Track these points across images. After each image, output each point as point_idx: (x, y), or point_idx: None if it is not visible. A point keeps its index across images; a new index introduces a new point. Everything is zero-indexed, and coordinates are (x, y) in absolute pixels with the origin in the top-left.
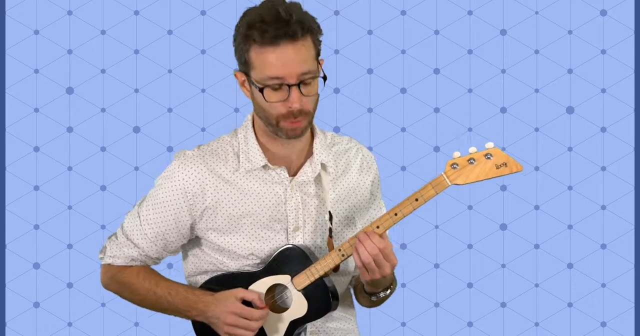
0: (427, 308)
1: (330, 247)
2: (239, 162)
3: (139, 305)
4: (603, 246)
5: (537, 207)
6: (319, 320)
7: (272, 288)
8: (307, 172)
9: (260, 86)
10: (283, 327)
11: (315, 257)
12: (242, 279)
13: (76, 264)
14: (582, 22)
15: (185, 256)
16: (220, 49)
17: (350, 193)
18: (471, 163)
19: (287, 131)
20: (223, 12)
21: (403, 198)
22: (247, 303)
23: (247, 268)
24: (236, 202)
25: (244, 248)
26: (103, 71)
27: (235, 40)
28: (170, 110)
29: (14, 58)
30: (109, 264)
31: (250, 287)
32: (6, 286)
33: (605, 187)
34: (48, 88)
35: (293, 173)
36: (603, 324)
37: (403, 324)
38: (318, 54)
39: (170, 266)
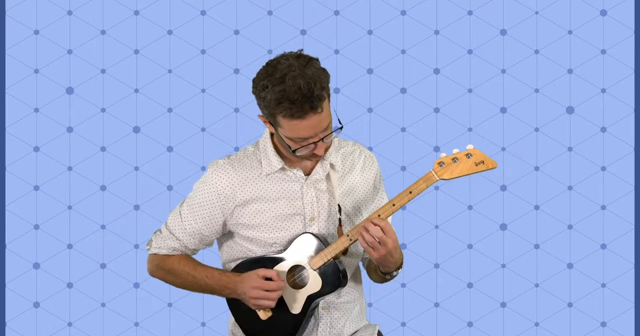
0: (427, 308)
1: (340, 233)
2: (261, 167)
3: (180, 287)
4: (603, 246)
5: (537, 207)
6: (330, 296)
7: (292, 269)
8: (319, 171)
9: (289, 141)
10: (301, 300)
11: (327, 242)
12: (268, 262)
13: (76, 264)
14: (582, 22)
15: (220, 247)
16: (220, 49)
17: (355, 188)
18: (455, 161)
19: (309, 159)
20: (223, 12)
21: None
22: (267, 279)
23: (271, 254)
24: (260, 198)
25: (269, 237)
26: (103, 71)
27: (257, 93)
28: (170, 110)
29: (14, 58)
30: (154, 254)
31: (274, 268)
32: (6, 286)
33: (605, 187)
34: (48, 89)
35: (307, 173)
36: (603, 324)
37: (403, 324)
38: (329, 100)
39: None
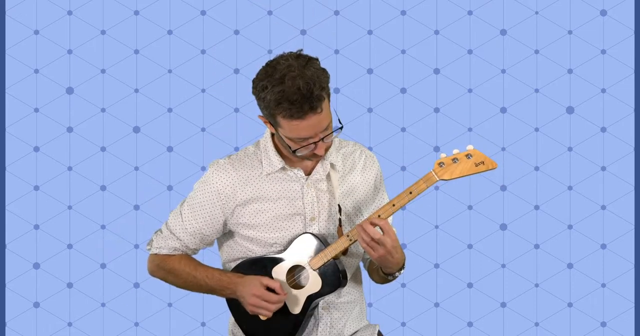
0: (427, 308)
1: (340, 233)
2: (262, 166)
3: (181, 287)
4: (603, 246)
5: (537, 207)
6: (330, 296)
7: (292, 269)
8: (320, 171)
9: (289, 141)
10: (301, 301)
11: (327, 242)
12: (268, 262)
13: (76, 264)
14: (582, 22)
15: (220, 247)
16: (220, 49)
17: (356, 188)
18: (455, 162)
19: (310, 159)
20: (223, 12)
21: None
22: (270, 289)
23: (271, 254)
24: (261, 197)
25: (269, 237)
26: (103, 71)
27: (257, 93)
28: (170, 110)
29: (14, 58)
30: (155, 254)
31: (274, 268)
32: (6, 286)
33: (605, 187)
34: (48, 89)
35: (308, 173)
36: (603, 324)
37: (403, 324)
38: (329, 99)
39: None
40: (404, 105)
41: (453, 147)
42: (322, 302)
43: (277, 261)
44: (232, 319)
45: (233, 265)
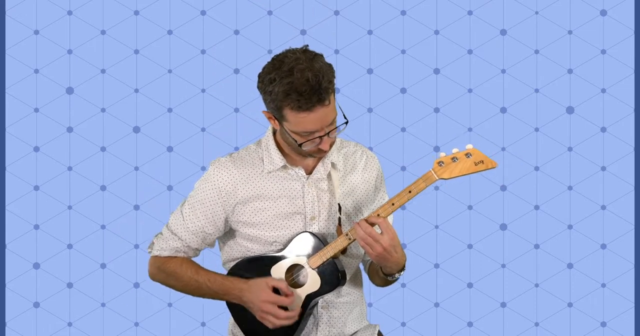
0: (427, 308)
1: (339, 232)
2: (263, 164)
3: (181, 291)
4: (603, 246)
5: (537, 207)
6: (329, 295)
7: (291, 268)
8: (320, 170)
9: (295, 135)
10: (300, 300)
11: (326, 241)
12: (267, 261)
13: (76, 264)
14: (582, 22)
15: (221, 247)
16: (220, 48)
17: (356, 188)
18: (454, 161)
19: (315, 155)
20: (223, 12)
21: None
22: (275, 291)
23: (270, 253)
24: (262, 195)
25: (269, 236)
26: (103, 71)
27: (263, 87)
28: (170, 110)
29: (14, 58)
30: (156, 256)
31: (273, 267)
32: (6, 286)
33: (605, 187)
34: (48, 89)
35: (309, 172)
36: (603, 324)
37: (403, 324)
38: (334, 95)
39: None
40: (404, 105)
41: (453, 147)
42: (321, 302)
43: (276, 260)
44: (232, 319)
45: (232, 264)
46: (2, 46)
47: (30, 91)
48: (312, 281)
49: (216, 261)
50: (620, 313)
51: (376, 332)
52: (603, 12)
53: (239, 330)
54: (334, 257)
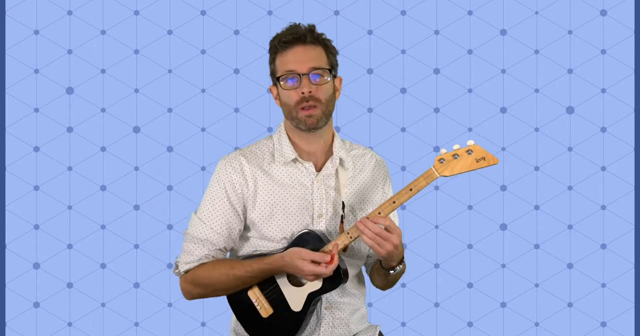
0: (427, 308)
1: (341, 231)
2: (273, 158)
3: (225, 292)
4: (603, 246)
5: (537, 207)
6: (332, 295)
7: None
8: (329, 167)
9: (280, 79)
10: (302, 298)
11: (328, 240)
12: None
13: (76, 264)
14: (582, 22)
15: (238, 252)
16: (220, 49)
17: (365, 189)
18: (455, 158)
19: (304, 120)
20: (223, 12)
21: None
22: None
23: (276, 251)
24: (272, 189)
25: (278, 233)
26: (103, 71)
27: (269, 50)
28: (170, 110)
29: (14, 58)
30: (185, 272)
31: None
32: (6, 286)
33: (605, 187)
34: (48, 89)
35: (318, 170)
36: (603, 324)
37: (403, 324)
38: (332, 65)
39: (170, 266)
40: (404, 105)
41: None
42: (325, 302)
43: None
44: (234, 318)
45: None
46: (2, 46)
47: (30, 91)
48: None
49: None
50: (620, 313)
51: (377, 333)
52: (603, 12)
53: (242, 328)
54: None
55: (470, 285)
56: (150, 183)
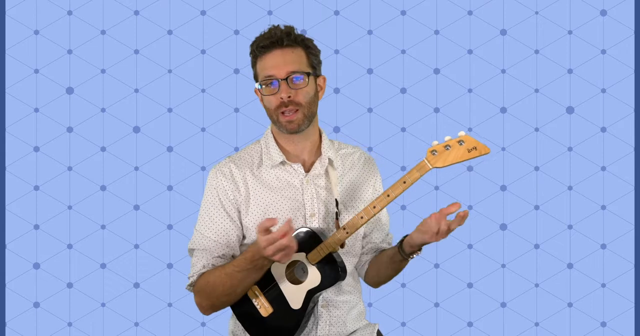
0: (427, 308)
1: (337, 226)
2: (262, 162)
3: (228, 297)
4: (603, 246)
5: (537, 207)
6: (329, 293)
7: (291, 264)
8: (318, 167)
9: (261, 84)
10: (301, 296)
11: (325, 236)
12: None
13: (76, 264)
14: (582, 22)
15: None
16: (220, 48)
17: (355, 186)
18: (447, 149)
19: (284, 124)
20: (223, 12)
21: (403, 199)
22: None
23: None
24: (263, 193)
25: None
26: (103, 71)
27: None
28: (170, 110)
29: (14, 58)
30: (193, 284)
31: (273, 264)
32: (6, 286)
33: (605, 187)
34: (48, 89)
35: (307, 170)
36: (603, 324)
37: (403, 324)
38: (314, 66)
39: (170, 266)
40: (404, 105)
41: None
42: (321, 300)
43: None
44: (234, 319)
45: None
46: (2, 46)
47: (30, 91)
48: (312, 277)
49: None
50: (620, 313)
51: (375, 331)
52: (603, 12)
53: (240, 328)
54: (333, 251)
55: (470, 285)
56: (150, 183)
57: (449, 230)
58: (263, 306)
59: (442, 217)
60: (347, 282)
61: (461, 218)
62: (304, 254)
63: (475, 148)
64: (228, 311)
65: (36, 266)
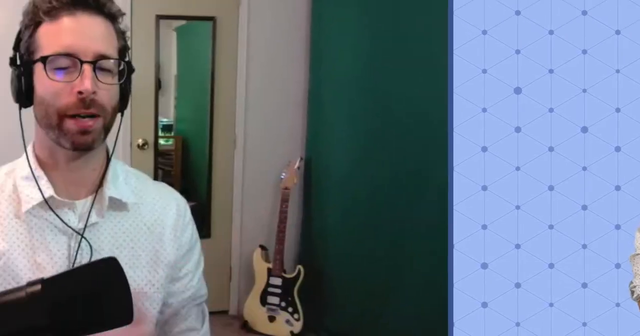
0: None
1: None
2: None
3: None
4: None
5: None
6: None
7: None
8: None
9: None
10: None
11: None
12: None
13: (524, 263)
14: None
15: None
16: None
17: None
18: None
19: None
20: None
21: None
22: None
23: None
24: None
25: None
26: (551, 71)
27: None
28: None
29: (461, 58)
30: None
31: None
32: (454, 286)
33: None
34: (496, 88)
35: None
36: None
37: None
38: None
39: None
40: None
41: None
42: None
43: None
44: None
45: None
46: (450, 46)
47: (478, 91)
48: None
49: None
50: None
51: None
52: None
53: None
54: None
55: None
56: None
57: None
58: None
59: None
60: None
61: None
62: None
63: None
64: None
65: (484, 266)
